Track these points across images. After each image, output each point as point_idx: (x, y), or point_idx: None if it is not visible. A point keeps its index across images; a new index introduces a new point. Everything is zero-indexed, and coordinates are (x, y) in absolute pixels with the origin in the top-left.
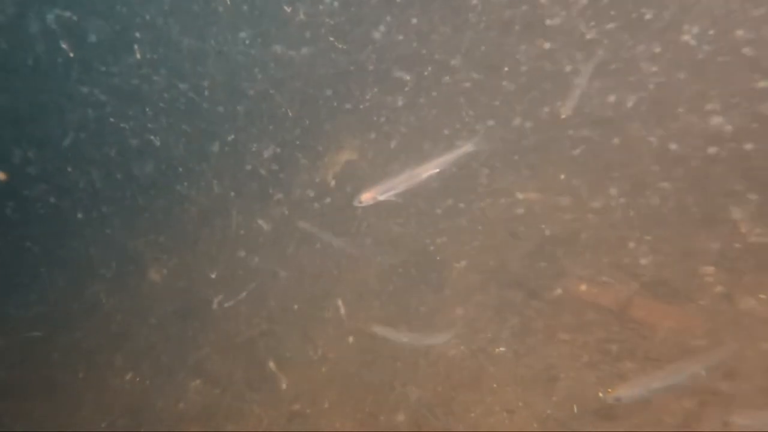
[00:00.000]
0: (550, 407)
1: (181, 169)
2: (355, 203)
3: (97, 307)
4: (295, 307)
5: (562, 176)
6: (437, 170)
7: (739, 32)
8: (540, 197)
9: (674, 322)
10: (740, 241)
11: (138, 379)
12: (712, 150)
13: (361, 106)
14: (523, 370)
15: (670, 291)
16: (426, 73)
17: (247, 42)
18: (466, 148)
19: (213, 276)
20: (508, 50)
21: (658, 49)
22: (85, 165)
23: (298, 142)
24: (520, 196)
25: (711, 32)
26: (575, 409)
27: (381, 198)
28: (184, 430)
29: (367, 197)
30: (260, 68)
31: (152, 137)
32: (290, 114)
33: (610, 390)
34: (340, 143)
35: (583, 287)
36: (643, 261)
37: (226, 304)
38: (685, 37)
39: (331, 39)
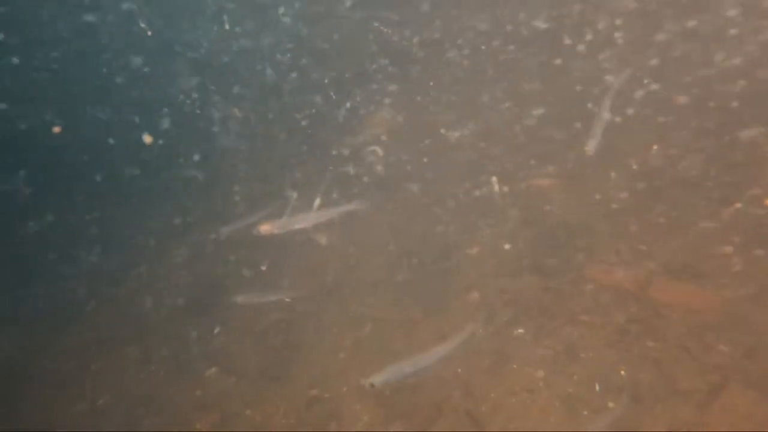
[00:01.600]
0: (572, 386)
1: None
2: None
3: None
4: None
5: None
6: None
7: None
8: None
9: (692, 301)
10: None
11: (154, 368)
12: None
13: None
14: (542, 351)
15: (689, 272)
16: None
17: None
18: None
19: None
20: None
21: None
22: None
23: None
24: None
25: None
26: (597, 388)
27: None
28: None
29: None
30: None
31: None
32: None
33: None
34: None
35: (603, 270)
36: (661, 243)
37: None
38: None
39: None
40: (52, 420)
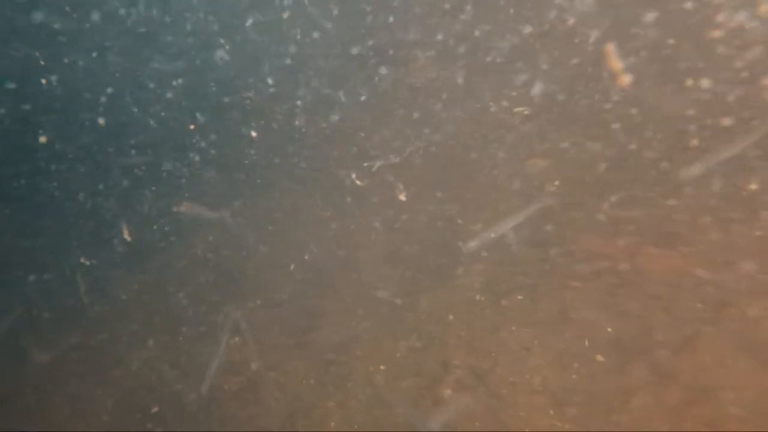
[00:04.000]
0: (564, 343)
1: None
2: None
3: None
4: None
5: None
6: None
7: None
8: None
9: (672, 266)
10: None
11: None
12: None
13: None
14: (539, 314)
15: (673, 240)
16: None
17: None
18: None
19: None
20: None
21: None
22: None
23: None
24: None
25: None
26: (586, 343)
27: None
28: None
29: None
30: None
31: None
32: None
33: None
34: None
35: (591, 241)
36: (647, 214)
37: None
38: None
39: None
40: (87, 385)
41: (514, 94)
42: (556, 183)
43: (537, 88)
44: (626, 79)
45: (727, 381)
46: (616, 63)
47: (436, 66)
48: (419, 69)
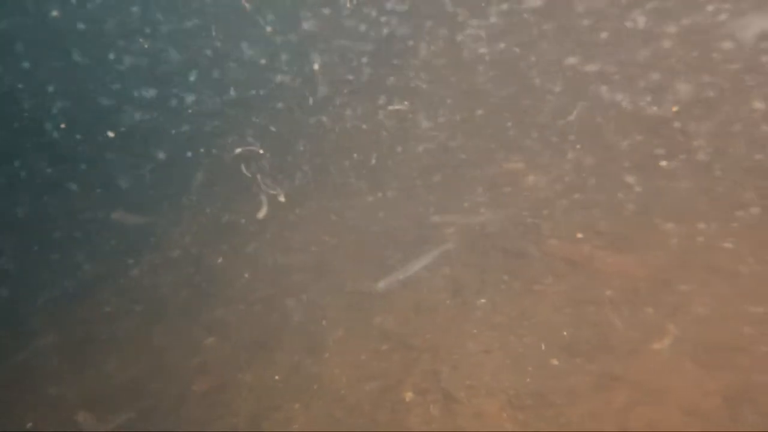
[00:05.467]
0: (522, 347)
1: None
2: None
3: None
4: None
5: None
6: None
7: None
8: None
9: (628, 270)
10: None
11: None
12: None
13: None
14: (500, 317)
15: (628, 244)
16: None
17: None
18: None
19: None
20: None
21: None
22: None
23: None
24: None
25: None
26: (543, 347)
27: None
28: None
29: None
30: None
31: None
32: None
33: None
34: None
35: (555, 245)
36: (606, 219)
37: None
38: None
39: None
40: (63, 386)
41: None
42: None
43: None
44: None
45: (671, 383)
46: None
47: None
48: None
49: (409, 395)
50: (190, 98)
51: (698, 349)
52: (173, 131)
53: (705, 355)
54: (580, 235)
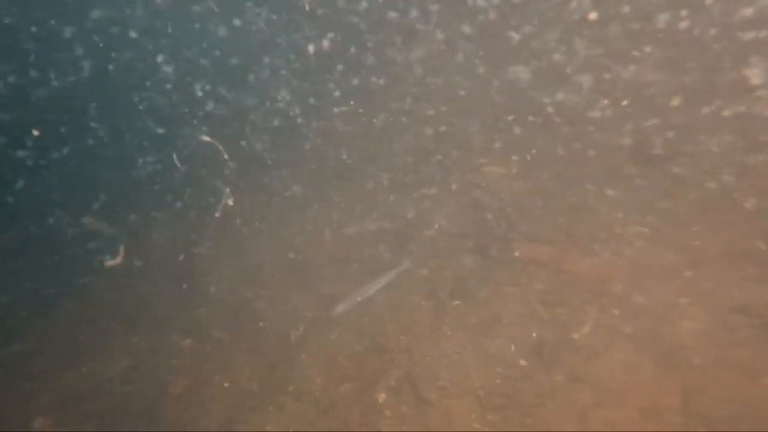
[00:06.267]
0: (493, 348)
1: None
2: None
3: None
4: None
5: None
6: None
7: None
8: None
9: (596, 273)
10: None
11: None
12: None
13: None
14: (473, 319)
15: (596, 247)
16: None
17: None
18: None
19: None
20: None
21: None
22: None
23: None
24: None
25: None
26: (512, 348)
27: None
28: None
29: None
30: None
31: None
32: None
33: None
34: None
35: (528, 248)
36: (575, 223)
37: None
38: None
39: None
40: (42, 388)
41: None
42: None
43: None
44: None
45: (631, 385)
46: None
47: None
48: None
49: (382, 396)
50: None
51: (658, 351)
52: None
53: (665, 357)
54: (551, 238)
